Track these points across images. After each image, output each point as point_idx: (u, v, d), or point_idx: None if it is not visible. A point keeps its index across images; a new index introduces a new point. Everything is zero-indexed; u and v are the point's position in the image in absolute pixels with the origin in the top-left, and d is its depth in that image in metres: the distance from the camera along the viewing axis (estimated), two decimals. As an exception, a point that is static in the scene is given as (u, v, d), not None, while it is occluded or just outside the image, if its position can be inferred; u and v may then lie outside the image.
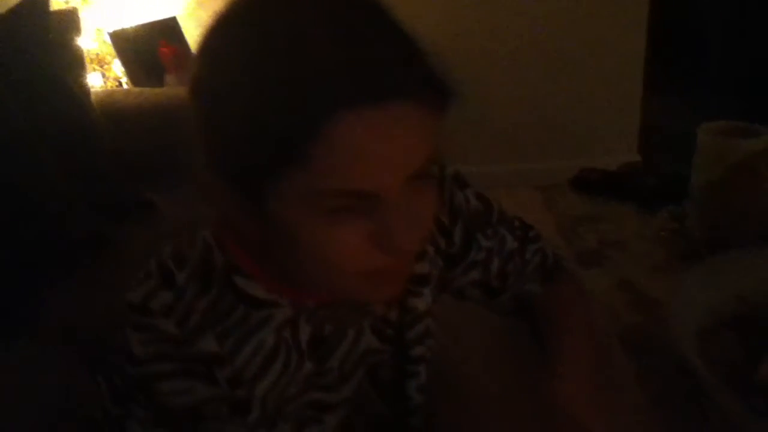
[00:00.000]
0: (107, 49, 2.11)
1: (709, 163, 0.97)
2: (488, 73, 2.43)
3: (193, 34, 2.27)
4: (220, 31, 0.54)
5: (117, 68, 2.11)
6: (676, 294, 0.79)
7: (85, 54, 1.84)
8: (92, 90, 1.75)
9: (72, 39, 1.67)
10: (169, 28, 2.17)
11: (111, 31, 2.03)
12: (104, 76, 2.10)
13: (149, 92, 1.80)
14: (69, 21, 1.68)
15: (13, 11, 1.46)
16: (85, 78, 1.73)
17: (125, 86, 2.08)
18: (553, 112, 2.51)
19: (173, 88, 1.93)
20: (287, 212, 0.52)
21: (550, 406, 0.64)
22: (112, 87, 2.06)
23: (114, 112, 1.68)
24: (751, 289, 0.75)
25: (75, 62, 1.64)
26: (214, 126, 0.53)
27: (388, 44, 0.51)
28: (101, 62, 2.12)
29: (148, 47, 2.08)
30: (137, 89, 1.93)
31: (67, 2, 1.95)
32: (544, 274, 0.82)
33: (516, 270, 0.79)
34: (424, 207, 0.56)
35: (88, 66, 1.92)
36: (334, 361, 0.67)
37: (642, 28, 2.40)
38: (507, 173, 2.50)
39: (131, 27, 2.09)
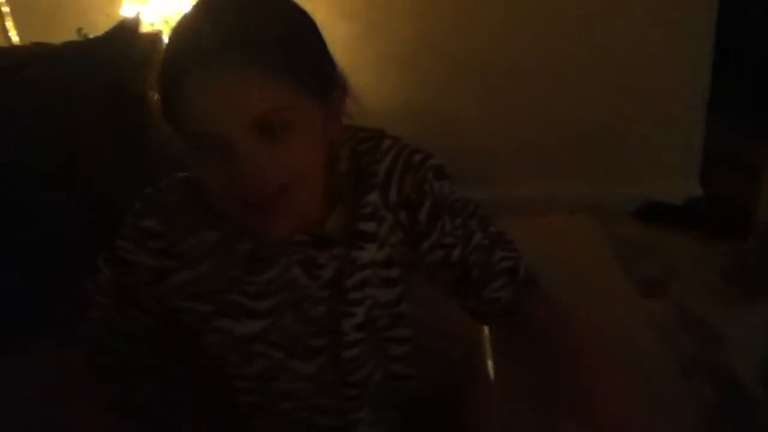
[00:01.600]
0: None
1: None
2: (549, 91, 2.44)
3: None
4: None
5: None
6: (738, 325, 0.80)
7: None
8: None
9: (154, 59, 1.78)
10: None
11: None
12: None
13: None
14: (155, 42, 1.79)
15: (108, 33, 1.58)
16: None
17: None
18: (612, 136, 2.49)
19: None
20: (188, 159, 0.72)
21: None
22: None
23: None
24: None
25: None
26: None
27: (231, 23, 0.67)
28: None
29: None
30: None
31: (152, 25, 2.07)
32: (514, 283, 0.82)
33: (480, 264, 0.82)
34: (280, 153, 0.69)
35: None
36: (261, 278, 0.81)
37: (707, 53, 2.35)
38: (563, 195, 2.49)
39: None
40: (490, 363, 0.99)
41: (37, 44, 1.64)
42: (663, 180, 2.37)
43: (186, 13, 0.71)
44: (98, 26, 2.27)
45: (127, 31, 1.61)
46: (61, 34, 2.20)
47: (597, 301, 1.07)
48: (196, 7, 0.71)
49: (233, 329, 0.83)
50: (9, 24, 2.33)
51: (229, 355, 0.86)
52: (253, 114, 0.67)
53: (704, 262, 1.15)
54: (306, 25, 0.74)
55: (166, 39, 1.86)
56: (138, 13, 1.88)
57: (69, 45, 1.61)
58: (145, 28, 1.98)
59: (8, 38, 2.35)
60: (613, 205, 1.35)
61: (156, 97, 0.72)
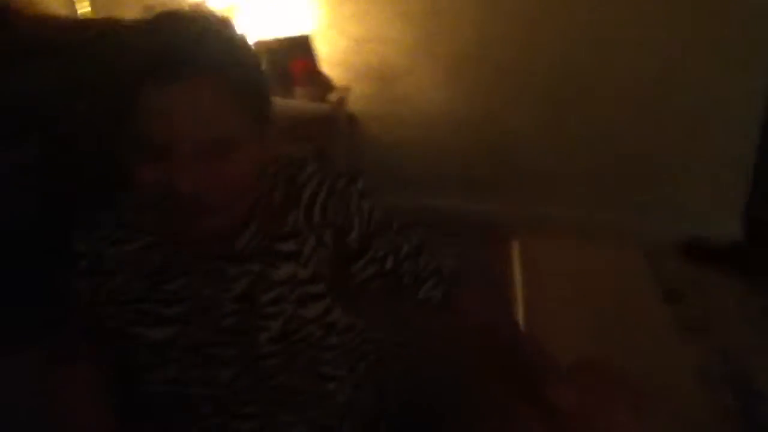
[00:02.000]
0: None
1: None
2: (607, 119, 2.43)
3: (325, 52, 2.41)
4: None
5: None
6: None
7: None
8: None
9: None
10: (302, 45, 2.31)
11: (253, 41, 2.19)
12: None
13: (282, 103, 1.93)
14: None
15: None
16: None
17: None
18: (658, 170, 2.48)
19: (302, 102, 2.05)
20: (125, 160, 0.77)
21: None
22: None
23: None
24: None
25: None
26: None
27: (191, 43, 0.74)
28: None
29: (282, 60, 2.22)
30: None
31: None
32: (442, 283, 0.91)
33: (410, 271, 0.90)
34: (217, 170, 0.75)
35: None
36: (170, 286, 0.88)
37: (764, 89, 2.32)
38: (605, 225, 2.48)
39: (269, 39, 2.25)
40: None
41: (109, 19, 1.68)
42: (708, 216, 2.36)
43: (136, 26, 0.81)
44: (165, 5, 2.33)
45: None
46: (129, 10, 2.26)
47: (638, 339, 1.08)
48: (152, 21, 0.78)
49: (147, 335, 0.89)
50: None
51: (147, 360, 0.91)
52: (202, 134, 0.74)
53: (747, 304, 1.15)
54: (255, 58, 0.84)
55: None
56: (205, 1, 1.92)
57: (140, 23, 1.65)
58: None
59: (74, 10, 2.42)
60: (657, 239, 1.36)
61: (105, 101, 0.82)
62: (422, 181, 2.68)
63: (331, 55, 2.49)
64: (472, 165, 2.61)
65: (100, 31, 1.16)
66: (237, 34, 0.81)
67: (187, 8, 0.79)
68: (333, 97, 2.36)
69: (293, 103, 2.10)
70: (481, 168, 2.61)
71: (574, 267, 1.13)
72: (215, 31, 0.78)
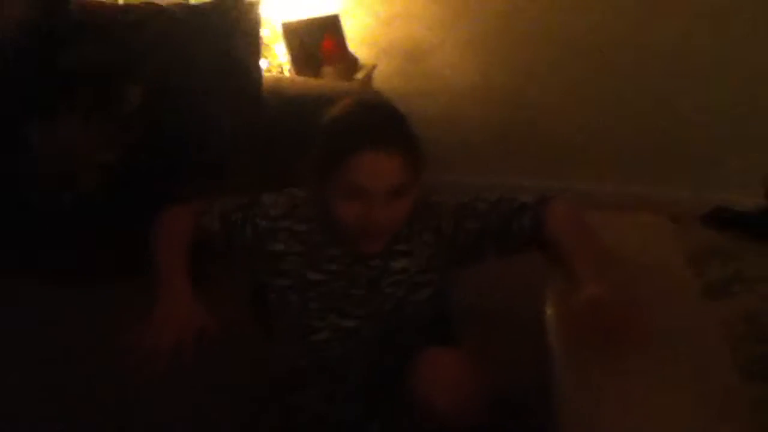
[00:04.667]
0: (273, 37, 2.33)
1: None
2: (632, 89, 2.46)
3: (351, 30, 2.46)
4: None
5: (280, 55, 2.33)
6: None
7: (259, 41, 2.04)
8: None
9: (254, 28, 1.87)
10: (331, 24, 2.36)
11: (284, 21, 2.24)
12: (268, 62, 2.32)
13: (312, 83, 1.99)
14: (253, 12, 1.88)
15: (217, 0, 1.68)
16: (259, 63, 1.93)
17: (287, 73, 2.29)
18: (688, 140, 2.51)
19: (331, 81, 2.11)
20: (330, 193, 1.14)
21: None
22: (276, 73, 2.28)
23: (280, 97, 1.88)
24: None
25: (255, 49, 1.84)
26: (315, 147, 1.18)
27: (389, 126, 1.15)
28: (266, 48, 2.34)
29: (312, 40, 2.28)
30: (301, 78, 2.13)
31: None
32: (529, 209, 1.23)
33: (501, 218, 1.23)
34: (394, 210, 1.14)
35: (259, 52, 2.13)
36: (324, 257, 1.24)
37: None
38: (636, 196, 2.52)
39: (299, 20, 2.30)
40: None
41: (149, 3, 1.75)
42: (737, 185, 2.38)
43: (348, 107, 1.19)
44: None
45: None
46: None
47: (664, 301, 1.13)
48: (360, 107, 1.22)
49: (305, 274, 1.24)
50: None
51: (293, 295, 1.25)
52: (392, 183, 1.11)
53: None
54: (415, 133, 1.18)
55: (261, 11, 1.98)
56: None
57: (180, 7, 1.71)
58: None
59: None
60: (686, 208, 1.40)
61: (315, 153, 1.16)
62: (450, 156, 2.72)
63: (359, 34, 2.54)
64: (501, 139, 2.65)
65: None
66: (403, 115, 1.19)
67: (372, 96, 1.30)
68: (360, 75, 2.41)
69: (321, 81, 2.16)
70: (509, 142, 2.65)
71: (603, 231, 1.18)
72: (395, 114, 1.19)
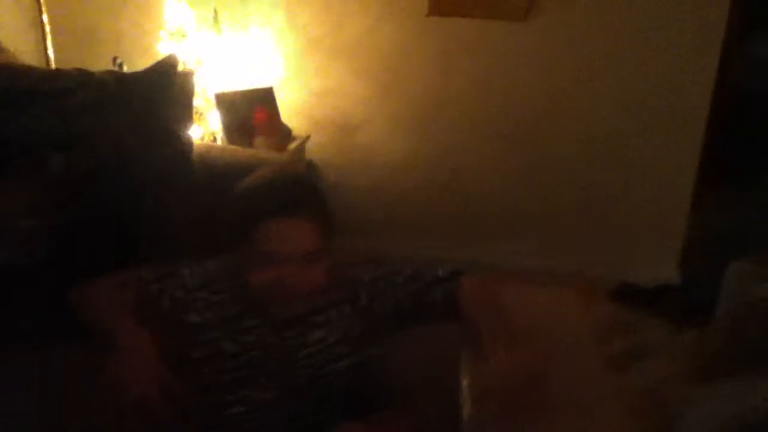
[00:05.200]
0: (207, 106, 2.37)
1: (732, 297, 1.10)
2: (549, 161, 2.59)
3: (286, 102, 2.52)
4: None
5: (214, 123, 2.36)
6: (693, 406, 0.91)
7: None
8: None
9: (187, 97, 1.90)
10: (264, 96, 2.42)
11: (217, 92, 2.29)
12: (201, 129, 2.35)
13: (242, 152, 2.02)
14: (188, 82, 1.92)
15: (150, 70, 1.71)
16: (190, 132, 1.95)
17: (219, 141, 2.32)
18: (597, 216, 2.64)
19: (262, 151, 2.15)
20: (244, 261, 1.18)
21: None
22: (209, 141, 2.30)
23: (209, 165, 1.90)
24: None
25: (187, 117, 1.87)
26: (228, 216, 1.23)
27: (296, 194, 1.20)
28: (199, 117, 2.37)
29: (245, 110, 2.32)
30: (232, 147, 2.16)
31: (184, 64, 2.21)
32: (445, 282, 1.28)
33: (416, 290, 1.28)
34: (308, 275, 1.16)
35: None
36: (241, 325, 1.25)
37: (697, 141, 2.46)
38: (549, 267, 2.61)
39: (233, 91, 2.35)
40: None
41: (80, 70, 1.76)
42: (643, 262, 2.51)
43: (259, 176, 1.22)
44: (132, 57, 2.42)
45: (167, 69, 1.74)
46: (97, 60, 2.35)
47: (569, 371, 1.18)
48: (270, 175, 1.26)
49: (220, 345, 1.22)
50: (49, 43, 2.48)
51: (206, 368, 1.22)
52: (303, 249, 1.14)
53: (670, 344, 1.26)
54: (325, 201, 1.23)
55: (195, 81, 2.03)
56: (174, 53, 2.01)
57: (111, 75, 1.73)
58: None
59: (48, 56, 2.49)
60: (595, 282, 1.48)
61: None
62: (378, 227, 2.78)
63: (293, 106, 2.61)
64: (428, 210, 2.73)
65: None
66: (314, 183, 1.30)
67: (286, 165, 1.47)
68: (293, 145, 2.46)
69: (252, 151, 2.19)
70: (436, 212, 2.73)
71: (514, 303, 1.24)
72: (305, 182, 1.27)
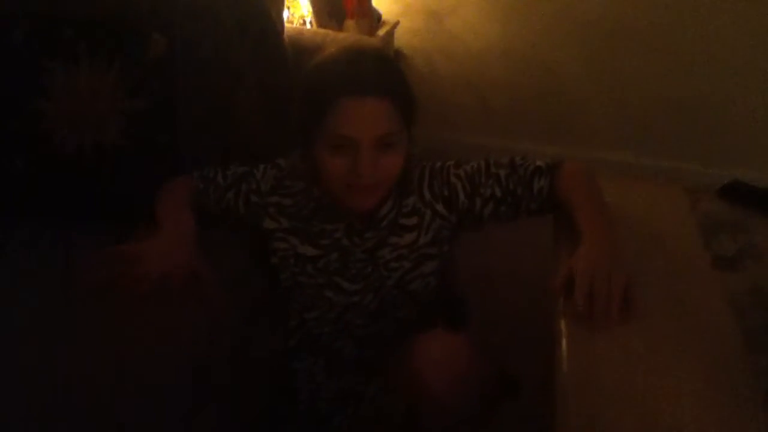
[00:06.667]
0: (297, -12, 2.31)
1: None
2: (652, 60, 2.43)
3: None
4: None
5: (303, 6, 2.31)
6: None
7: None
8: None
9: None
10: (355, -23, 2.32)
11: (307, -26, 2.22)
12: (290, 12, 2.30)
13: (333, 35, 1.97)
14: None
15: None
16: (283, 14, 1.92)
17: (308, 25, 2.27)
18: (710, 112, 2.48)
19: (353, 34, 2.10)
20: (316, 148, 1.07)
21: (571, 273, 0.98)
22: (298, 24, 2.26)
23: (300, 49, 1.87)
24: None
25: (278, -1, 1.83)
26: (297, 99, 1.11)
27: (374, 71, 1.06)
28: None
29: (335, -8, 2.25)
30: (323, 31, 2.11)
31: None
32: (545, 172, 1.17)
33: (516, 183, 1.17)
34: (384, 161, 1.06)
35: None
36: (322, 227, 1.20)
37: None
38: (652, 167, 2.52)
39: (323, -28, 2.27)
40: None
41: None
42: (758, 163, 2.37)
43: (332, 53, 1.09)
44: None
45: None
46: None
47: (673, 268, 1.14)
48: (344, 52, 1.09)
49: (297, 247, 1.21)
50: None
51: (288, 268, 1.22)
52: (379, 132, 1.04)
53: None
54: (407, 81, 1.11)
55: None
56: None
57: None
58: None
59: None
60: (703, 182, 1.40)
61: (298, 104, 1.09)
62: (467, 118, 2.72)
63: (383, -11, 2.51)
64: (517, 103, 2.64)
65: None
66: (396, 63, 1.16)
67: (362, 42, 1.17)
68: (382, 31, 2.39)
69: (343, 35, 2.14)
70: (526, 106, 2.64)
71: (615, 198, 1.19)
72: (384, 59, 1.14)
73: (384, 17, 2.46)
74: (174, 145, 1.45)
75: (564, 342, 0.96)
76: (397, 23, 2.51)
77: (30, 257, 1.35)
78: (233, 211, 1.25)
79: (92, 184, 1.44)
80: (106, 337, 1.13)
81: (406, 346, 1.05)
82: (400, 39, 2.58)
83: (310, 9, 2.26)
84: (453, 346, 1.03)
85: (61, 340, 1.12)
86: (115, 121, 1.43)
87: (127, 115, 1.43)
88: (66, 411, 1.05)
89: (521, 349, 1.34)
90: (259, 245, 1.25)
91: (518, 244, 1.60)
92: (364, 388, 1.25)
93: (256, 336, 1.34)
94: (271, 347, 1.33)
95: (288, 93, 1.67)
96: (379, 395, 1.23)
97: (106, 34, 1.40)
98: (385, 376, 1.22)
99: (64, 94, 1.40)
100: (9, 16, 1.37)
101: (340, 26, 2.25)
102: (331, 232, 1.20)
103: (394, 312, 1.23)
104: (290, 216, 1.22)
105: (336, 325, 1.24)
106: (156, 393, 1.12)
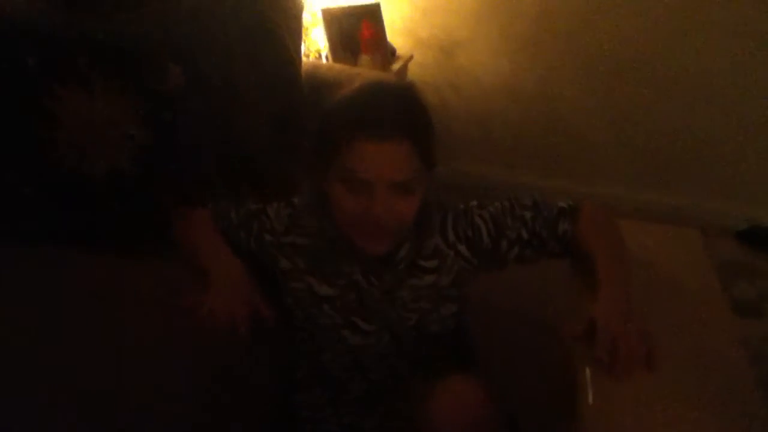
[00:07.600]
0: (312, 22, 2.33)
1: None
2: (664, 99, 2.43)
3: (390, 20, 2.45)
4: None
5: (319, 41, 2.33)
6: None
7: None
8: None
9: (297, 9, 1.87)
10: (371, 12, 2.35)
11: (323, 7, 2.24)
12: (306, 46, 2.32)
13: (348, 70, 1.99)
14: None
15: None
16: (300, 48, 1.93)
17: (324, 59, 2.29)
18: (725, 152, 2.47)
19: (367, 70, 2.11)
20: (331, 183, 1.04)
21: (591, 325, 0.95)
22: (313, 58, 2.28)
23: (316, 83, 1.88)
24: None
25: (297, 32, 1.84)
26: (315, 135, 1.06)
27: (396, 111, 1.00)
28: (305, 33, 2.34)
29: (351, 27, 2.27)
30: (338, 65, 2.12)
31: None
32: (569, 214, 1.14)
33: (542, 226, 1.14)
34: (399, 205, 1.02)
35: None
36: (339, 269, 1.17)
37: None
38: (669, 207, 2.49)
39: (339, 6, 2.30)
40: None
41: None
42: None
43: (353, 90, 1.04)
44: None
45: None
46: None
47: (691, 314, 1.12)
48: (367, 89, 1.05)
49: (314, 286, 1.18)
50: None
51: (304, 308, 1.20)
52: (396, 178, 0.99)
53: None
54: (431, 122, 1.06)
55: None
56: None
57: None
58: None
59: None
60: (717, 222, 1.38)
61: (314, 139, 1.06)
62: (477, 150, 2.72)
63: (397, 24, 2.53)
64: (527, 138, 2.64)
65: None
66: (419, 100, 1.06)
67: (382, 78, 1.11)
68: (397, 65, 2.41)
69: (359, 69, 2.16)
70: (535, 141, 2.64)
71: (632, 240, 1.18)
72: (408, 99, 1.05)
73: (398, 52, 2.48)
74: (185, 175, 1.45)
75: (590, 392, 0.96)
76: (410, 57, 2.53)
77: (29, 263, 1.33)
78: (244, 249, 1.23)
79: (102, 212, 1.44)
80: (102, 347, 1.12)
81: (421, 389, 1.04)
82: (412, 73, 2.60)
83: (326, 43, 2.28)
84: (469, 395, 1.02)
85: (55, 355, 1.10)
86: (126, 149, 1.43)
87: (139, 143, 1.43)
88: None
89: (524, 388, 1.31)
90: (267, 284, 1.22)
91: (523, 281, 1.58)
92: (367, 421, 1.24)
93: (257, 363, 1.31)
94: (272, 374, 1.31)
95: (302, 126, 1.67)
96: (381, 428, 1.23)
97: (122, 62, 1.40)
98: (390, 412, 1.21)
99: (75, 121, 1.40)
100: (22, 42, 1.37)
101: (355, 60, 2.26)
102: (348, 272, 1.17)
103: (409, 353, 1.22)
104: (306, 256, 1.19)
105: (349, 363, 1.23)
106: (155, 417, 1.11)
